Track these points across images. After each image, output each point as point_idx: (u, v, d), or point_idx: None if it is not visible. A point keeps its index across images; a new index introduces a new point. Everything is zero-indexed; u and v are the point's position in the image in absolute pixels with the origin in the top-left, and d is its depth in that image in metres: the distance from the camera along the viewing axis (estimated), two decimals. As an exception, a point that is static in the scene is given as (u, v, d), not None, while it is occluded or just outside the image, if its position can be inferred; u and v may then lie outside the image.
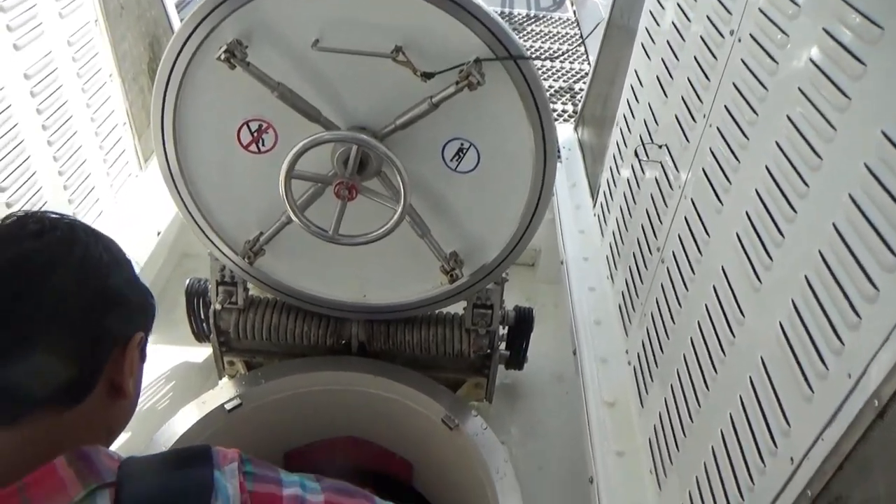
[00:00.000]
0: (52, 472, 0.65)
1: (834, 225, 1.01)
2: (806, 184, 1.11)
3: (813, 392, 1.01)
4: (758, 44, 1.34)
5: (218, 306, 2.19)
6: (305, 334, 2.22)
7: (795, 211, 1.13)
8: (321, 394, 2.23)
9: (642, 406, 1.80)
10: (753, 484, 1.15)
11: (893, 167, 0.91)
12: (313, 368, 2.22)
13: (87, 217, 2.35)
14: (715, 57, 1.55)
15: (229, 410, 2.07)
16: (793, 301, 1.10)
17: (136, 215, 2.56)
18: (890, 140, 0.92)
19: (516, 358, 2.48)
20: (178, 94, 1.77)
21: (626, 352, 1.98)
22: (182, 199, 1.95)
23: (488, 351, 2.28)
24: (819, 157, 1.08)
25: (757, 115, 1.32)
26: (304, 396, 2.22)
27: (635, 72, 2.22)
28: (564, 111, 3.51)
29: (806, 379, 1.03)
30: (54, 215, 0.76)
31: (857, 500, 0.90)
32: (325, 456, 2.40)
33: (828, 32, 1.11)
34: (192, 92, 1.77)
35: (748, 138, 1.34)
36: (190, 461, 0.73)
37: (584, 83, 3.53)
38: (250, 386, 2.14)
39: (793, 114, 1.18)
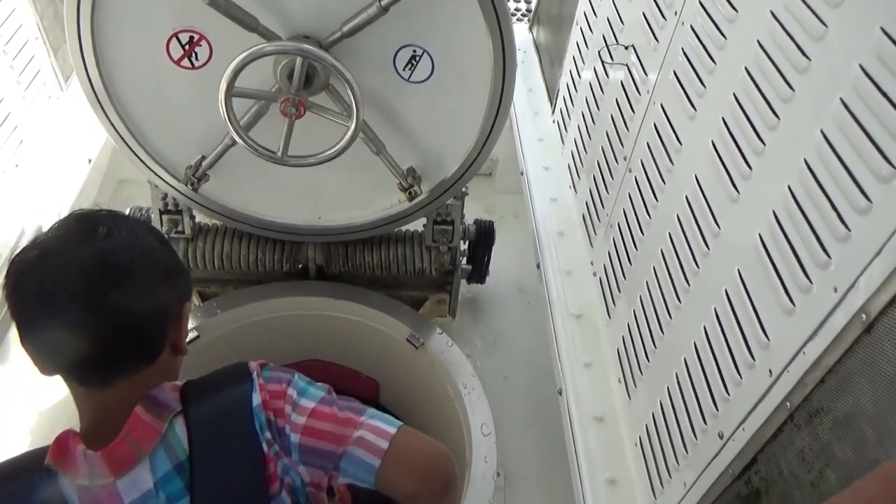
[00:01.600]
0: (138, 420, 0.86)
1: (822, 132, 0.96)
2: (791, 87, 1.04)
3: (794, 306, 0.99)
4: (736, -69, 1.23)
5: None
6: (260, 261, 2.13)
7: (778, 117, 1.07)
8: (281, 320, 2.17)
9: (609, 318, 1.79)
10: (729, 395, 1.15)
11: (891, 67, 0.85)
12: (271, 295, 2.15)
13: (6, 147, 2.13)
14: (687, -53, 1.43)
15: (187, 343, 1.99)
16: (774, 213, 1.05)
17: (62, 142, 2.34)
18: (889, 37, 0.85)
19: (478, 272, 2.45)
20: (95, 4, 1.57)
21: (592, 263, 1.96)
22: (111, 123, 1.79)
23: (450, 267, 2.24)
24: (807, 57, 1.01)
25: (736, 11, 1.22)
26: (263, 324, 2.15)
27: (596, -35, 2.08)
28: (517, 9, 3.33)
29: (787, 292, 1.01)
30: (107, 213, 0.91)
31: (840, 412, 0.90)
32: (289, 380, 2.37)
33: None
34: (109, 0, 1.57)
35: (726, 38, 1.26)
36: (231, 379, 0.94)
37: (538, -22, 3.34)
38: (206, 317, 2.06)
39: (777, 9, 1.09)
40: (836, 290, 0.91)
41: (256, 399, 0.91)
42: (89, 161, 2.36)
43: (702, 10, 1.35)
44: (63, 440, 0.86)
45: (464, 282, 2.43)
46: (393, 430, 0.94)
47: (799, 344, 0.97)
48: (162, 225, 2.04)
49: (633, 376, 1.59)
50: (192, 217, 2.06)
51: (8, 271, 0.85)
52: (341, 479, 0.94)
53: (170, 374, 0.94)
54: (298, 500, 0.94)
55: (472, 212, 2.38)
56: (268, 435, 0.90)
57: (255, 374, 0.94)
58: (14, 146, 2.17)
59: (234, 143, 1.72)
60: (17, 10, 2.15)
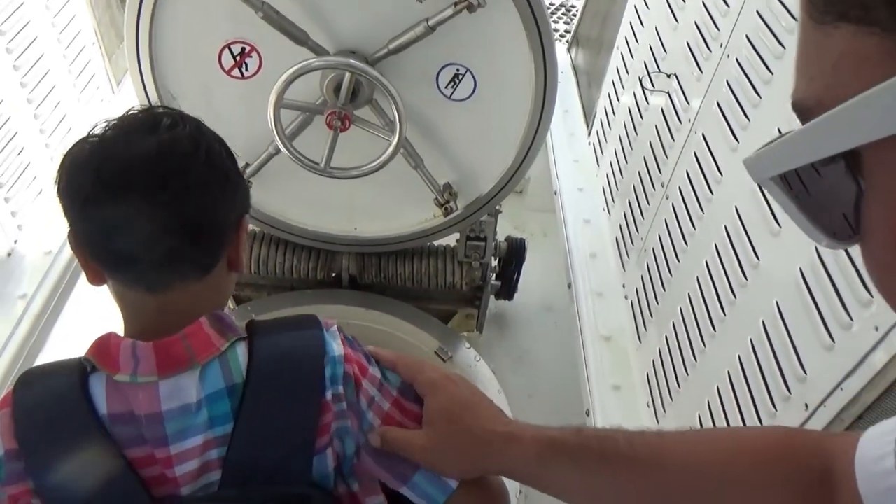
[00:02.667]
0: (200, 328, 0.79)
1: (869, 172, 0.97)
2: (838, 126, 1.05)
3: (834, 342, 1.00)
4: (787, -32, 1.25)
5: (204, 240, 2.11)
6: (295, 268, 2.17)
7: (824, 154, 1.08)
8: (312, 327, 2.20)
9: (640, 342, 1.80)
10: (762, 426, 1.16)
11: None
12: (304, 302, 2.18)
13: (62, 147, 2.22)
14: (736, -19, 1.45)
15: (220, 346, 2.04)
16: (816, 248, 1.06)
17: (110, 142, 2.42)
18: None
19: (507, 289, 2.47)
20: (154, 13, 1.63)
21: (623, 286, 1.97)
22: (161, 127, 1.84)
23: (480, 283, 2.26)
24: (855, 97, 1.02)
25: (784, 48, 1.24)
26: (294, 330, 2.19)
27: (640, -9, 2.10)
28: (556, 30, 3.36)
29: (827, 328, 1.02)
30: (172, 109, 0.86)
31: (877, 450, 0.90)
32: (316, 387, 2.41)
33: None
34: (168, 10, 1.64)
35: (772, 73, 1.27)
36: (303, 323, 0.88)
37: None
38: (240, 321, 2.06)
39: (826, 49, 1.11)
40: (877, 329, 0.91)
41: (338, 349, 0.85)
42: (136, 163, 2.43)
43: (748, 43, 1.36)
44: (105, 337, 0.80)
45: (492, 297, 2.45)
46: None
47: (837, 380, 0.98)
48: (203, 228, 2.09)
49: (662, 401, 1.60)
50: (232, 222, 2.11)
51: (62, 162, 0.79)
52: (402, 488, 0.87)
53: (223, 293, 0.89)
54: (342, 470, 0.87)
55: (502, 228, 2.40)
56: (340, 389, 0.84)
57: (335, 328, 0.89)
58: (68, 146, 2.24)
59: (277, 151, 1.77)
60: (77, 16, 2.23)
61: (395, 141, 1.67)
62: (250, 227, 2.14)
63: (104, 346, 0.79)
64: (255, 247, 2.16)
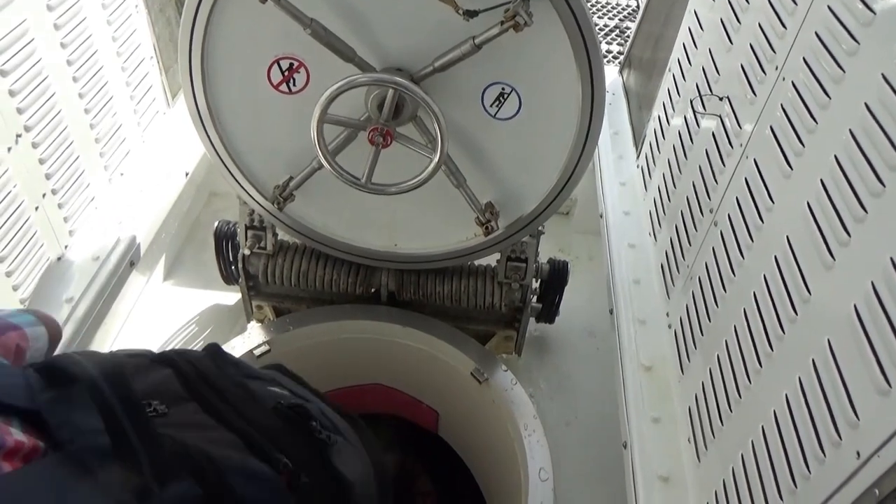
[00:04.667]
0: None
1: (932, 204, 0.90)
2: (900, 155, 0.99)
3: (890, 386, 0.93)
4: (849, -12, 1.19)
5: (247, 251, 2.14)
6: (335, 282, 2.18)
7: (884, 184, 1.02)
8: (349, 342, 2.21)
9: (682, 373, 1.73)
10: (809, 472, 1.08)
11: None
12: (342, 317, 2.19)
13: (114, 157, 2.29)
14: (794, 1, 1.39)
15: (258, 356, 2.06)
16: (872, 284, 0.99)
17: (164, 154, 2.49)
18: None
19: (548, 312, 2.42)
20: (207, 29, 1.68)
21: (667, 315, 1.90)
22: (210, 140, 1.88)
23: (520, 304, 2.22)
24: (919, 124, 0.96)
25: (843, 71, 1.18)
26: (332, 344, 2.19)
27: (695, 12, 2.04)
28: (609, 51, 3.31)
29: (883, 371, 0.95)
30: None
31: (936, 508, 0.83)
32: (351, 401, 2.40)
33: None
34: (220, 26, 1.68)
35: (830, 97, 1.21)
36: None
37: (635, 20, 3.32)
38: (278, 332, 2.12)
39: (889, 72, 1.05)
40: (938, 375, 0.84)
41: None
42: (186, 174, 2.49)
43: (805, 66, 1.30)
44: None
45: (532, 320, 2.40)
46: None
47: (893, 428, 0.90)
48: (246, 240, 2.12)
49: (704, 438, 1.52)
50: (275, 234, 2.14)
51: None
52: None
53: None
54: None
55: (547, 250, 2.36)
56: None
57: None
58: (121, 157, 2.32)
59: (320, 166, 1.78)
60: (138, 30, 2.31)
61: (436, 158, 1.66)
62: (293, 240, 2.16)
63: None
64: (297, 259, 2.17)
